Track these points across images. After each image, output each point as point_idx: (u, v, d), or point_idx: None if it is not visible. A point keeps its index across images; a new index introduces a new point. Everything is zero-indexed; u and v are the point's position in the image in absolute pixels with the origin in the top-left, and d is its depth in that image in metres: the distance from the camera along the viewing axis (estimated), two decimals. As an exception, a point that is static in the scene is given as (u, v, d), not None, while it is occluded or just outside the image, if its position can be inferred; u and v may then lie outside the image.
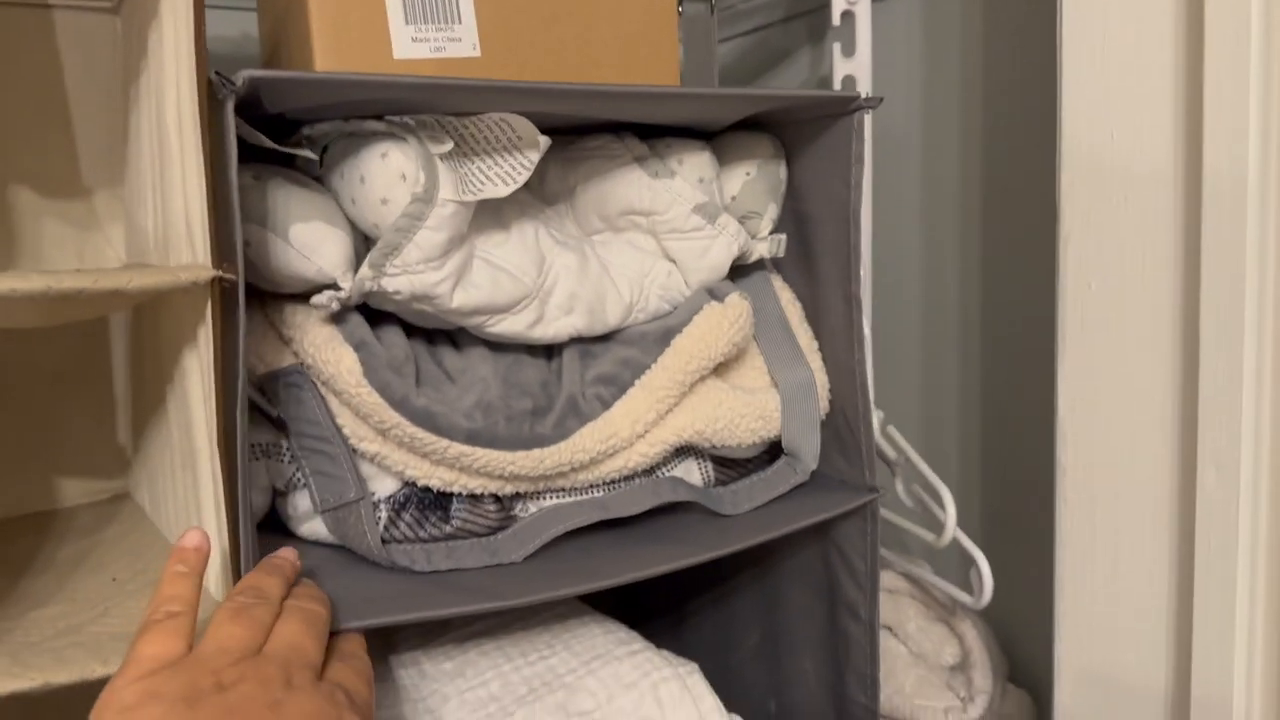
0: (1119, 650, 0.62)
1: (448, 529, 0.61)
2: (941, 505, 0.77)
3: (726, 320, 0.66)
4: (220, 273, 0.48)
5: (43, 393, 0.80)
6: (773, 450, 0.72)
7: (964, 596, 0.79)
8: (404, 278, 0.55)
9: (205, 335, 0.51)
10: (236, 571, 0.53)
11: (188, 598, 0.47)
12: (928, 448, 0.96)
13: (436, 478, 0.59)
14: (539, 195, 0.69)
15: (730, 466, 0.71)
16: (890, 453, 0.84)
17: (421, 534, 0.61)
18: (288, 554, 0.54)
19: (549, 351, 0.67)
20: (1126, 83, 0.56)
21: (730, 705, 0.69)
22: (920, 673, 0.86)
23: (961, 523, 0.89)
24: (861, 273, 0.84)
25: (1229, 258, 0.51)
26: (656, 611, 0.92)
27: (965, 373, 0.92)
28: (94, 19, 0.77)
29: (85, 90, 0.77)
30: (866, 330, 0.87)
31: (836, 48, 0.86)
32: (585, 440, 0.62)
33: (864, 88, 0.86)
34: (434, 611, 0.55)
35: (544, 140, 0.58)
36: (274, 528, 0.63)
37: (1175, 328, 0.55)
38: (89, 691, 0.45)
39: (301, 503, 0.60)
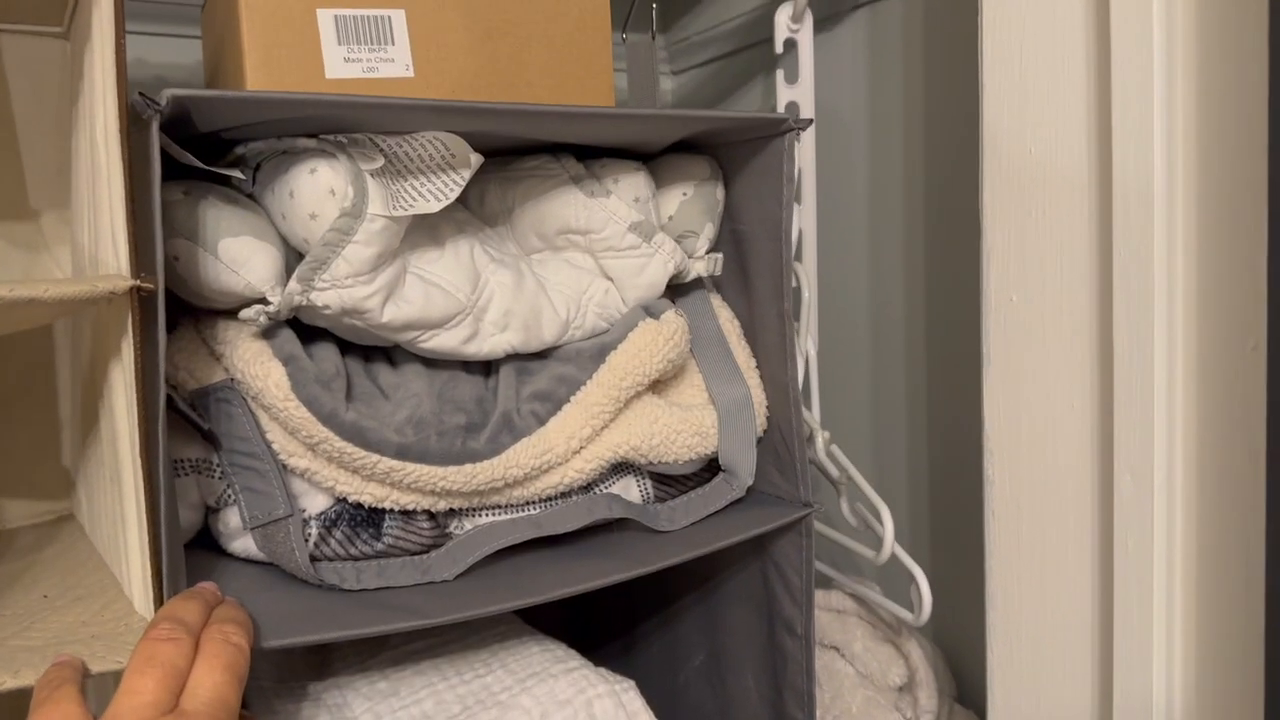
0: (1047, 659, 0.62)
1: (379, 546, 0.61)
2: (881, 522, 0.77)
3: (662, 337, 0.67)
4: (138, 282, 0.48)
5: (-18, 413, 0.80)
6: (711, 468, 0.73)
7: (905, 614, 0.79)
8: (333, 292, 0.56)
9: (128, 347, 0.51)
10: (160, 587, 0.53)
11: (66, 675, 0.46)
12: (878, 468, 0.96)
13: (368, 494, 0.59)
14: (479, 215, 0.70)
15: (669, 484, 0.71)
16: (834, 472, 0.84)
17: (353, 551, 0.61)
18: (208, 586, 0.54)
19: (486, 369, 0.68)
20: (1042, 97, 0.57)
21: (676, 710, 0.69)
22: (867, 693, 0.86)
23: (912, 543, 0.90)
24: (805, 292, 0.85)
25: (1138, 268, 0.52)
26: (605, 636, 0.92)
27: (912, 392, 0.93)
28: (44, 44, 0.78)
29: (33, 114, 0.78)
30: (811, 349, 0.88)
31: (780, 74, 0.88)
32: (519, 456, 0.62)
33: (808, 112, 0.88)
34: (359, 630, 0.55)
35: (476, 158, 0.59)
36: (207, 545, 0.63)
37: (1093, 338, 0.56)
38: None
39: (232, 519, 0.60)
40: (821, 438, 0.86)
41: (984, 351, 0.63)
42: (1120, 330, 0.53)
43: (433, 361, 0.65)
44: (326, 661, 0.69)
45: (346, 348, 0.63)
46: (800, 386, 0.85)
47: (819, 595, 0.91)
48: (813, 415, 0.88)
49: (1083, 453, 0.58)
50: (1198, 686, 0.55)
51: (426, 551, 0.62)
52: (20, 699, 0.48)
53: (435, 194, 0.58)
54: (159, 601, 0.54)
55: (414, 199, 0.57)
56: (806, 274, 0.88)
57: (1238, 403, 0.50)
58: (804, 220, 0.89)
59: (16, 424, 0.81)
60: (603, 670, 0.69)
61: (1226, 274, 0.51)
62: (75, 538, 0.74)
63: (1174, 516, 0.53)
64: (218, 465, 0.59)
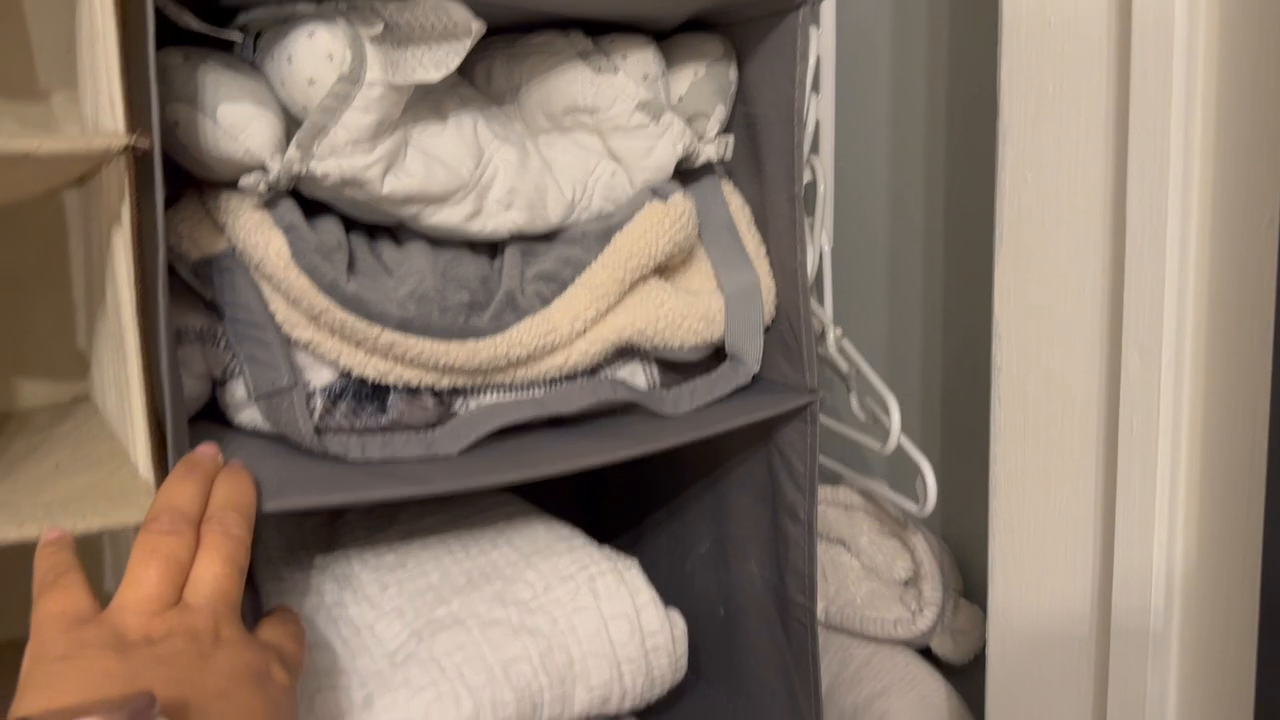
0: (1049, 544, 0.62)
1: (384, 420, 0.61)
2: (888, 413, 0.77)
3: (668, 218, 0.66)
4: (132, 141, 0.48)
5: (2, 298, 0.81)
6: (718, 356, 0.72)
7: (910, 505, 0.79)
8: (332, 161, 0.55)
9: (125, 209, 0.51)
10: (162, 450, 0.54)
11: (67, 559, 0.47)
12: (891, 366, 0.96)
13: (371, 367, 0.60)
14: (485, 93, 0.69)
15: (675, 371, 0.71)
16: (844, 366, 0.84)
17: (357, 424, 0.61)
18: (207, 449, 0.53)
19: (491, 250, 0.67)
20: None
21: (683, 612, 0.70)
22: (872, 586, 0.87)
23: (922, 442, 0.89)
24: (821, 186, 0.83)
25: (1154, 144, 0.51)
26: (614, 528, 0.93)
27: (928, 290, 0.92)
28: (48, -82, 0.77)
29: (40, -9, 0.77)
30: (825, 245, 0.87)
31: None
32: (522, 335, 0.62)
33: (828, -4, 0.85)
34: (364, 494, 0.56)
35: (478, 25, 0.57)
36: (214, 417, 0.63)
37: (1106, 215, 0.55)
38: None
39: (238, 391, 0.61)
40: (833, 333, 0.85)
41: (996, 232, 0.61)
42: (1133, 205, 0.52)
43: (437, 241, 0.65)
44: (334, 536, 0.71)
45: (351, 226, 0.63)
46: (811, 277, 0.85)
47: (827, 491, 0.91)
48: (825, 311, 0.87)
49: (1092, 334, 0.57)
50: (1198, 568, 0.54)
51: (431, 428, 0.63)
52: (23, 554, 0.50)
53: (436, 63, 0.57)
54: (160, 465, 0.55)
55: (414, 67, 0.56)
56: (823, 167, 0.86)
57: (1251, 279, 0.49)
58: (822, 111, 0.87)
59: (32, 307, 0.82)
60: (606, 549, 0.70)
61: (1244, 150, 0.49)
62: (89, 415, 0.75)
63: (1180, 394, 0.52)
64: (222, 336, 0.60)
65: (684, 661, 0.69)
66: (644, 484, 0.90)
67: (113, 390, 0.65)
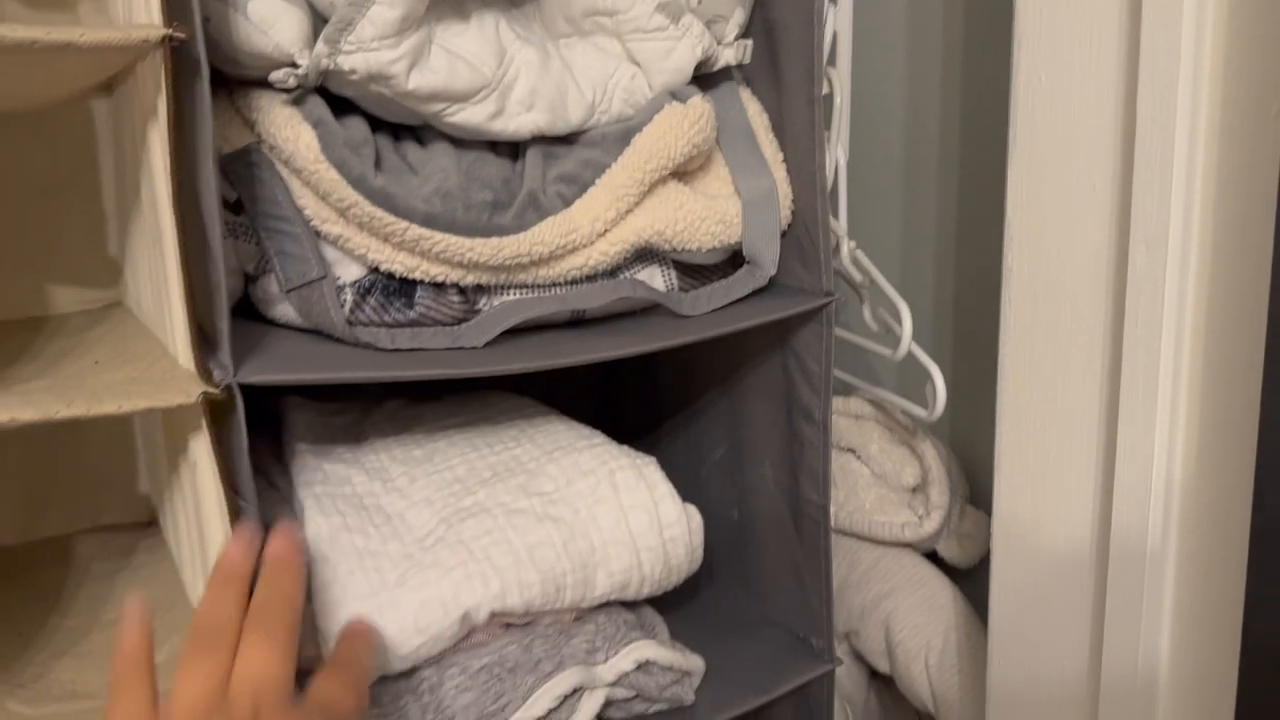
0: (1053, 445, 0.64)
1: (411, 314, 0.63)
2: (899, 320, 0.79)
3: (687, 120, 0.67)
4: (170, 31, 0.49)
5: (35, 205, 0.83)
6: (735, 261, 0.74)
7: (919, 410, 0.81)
8: (359, 55, 0.57)
9: (162, 102, 0.52)
10: (201, 346, 0.56)
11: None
12: (905, 279, 0.97)
13: (398, 262, 0.61)
14: (506, -4, 0.70)
15: (693, 274, 0.73)
16: (858, 277, 0.85)
17: (386, 319, 0.63)
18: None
19: (513, 152, 0.68)
20: None
21: (703, 512, 0.73)
22: (881, 492, 0.90)
23: (935, 353, 0.91)
24: (837, 98, 0.84)
25: (1165, 39, 0.51)
26: (631, 435, 0.95)
27: (943, 205, 0.93)
28: None
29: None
30: (841, 158, 0.88)
31: None
32: (544, 233, 0.64)
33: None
34: (394, 373, 0.58)
35: (501, -77, 0.58)
36: (248, 314, 0.65)
37: (1117, 112, 0.56)
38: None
39: (271, 286, 0.63)
40: (847, 245, 0.86)
41: (1010, 135, 0.62)
42: (1144, 100, 0.53)
43: (460, 141, 0.66)
44: (363, 434, 0.73)
45: (376, 126, 0.64)
46: (828, 184, 0.86)
47: (838, 402, 0.93)
48: (840, 223, 0.88)
49: (1101, 233, 0.58)
50: (1197, 466, 0.56)
51: (457, 323, 0.65)
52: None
53: (461, -41, 0.58)
54: (200, 359, 0.56)
55: (439, -37, 0.57)
56: (839, 79, 0.87)
57: (1259, 171, 0.50)
58: (839, 23, 0.88)
59: (64, 215, 0.84)
60: (625, 447, 0.72)
61: (1253, 44, 0.50)
62: (123, 318, 0.78)
63: (1186, 287, 0.53)
64: (252, 231, 0.61)
65: (700, 552, 0.71)
66: (660, 393, 0.93)
67: (148, 288, 0.67)
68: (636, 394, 0.95)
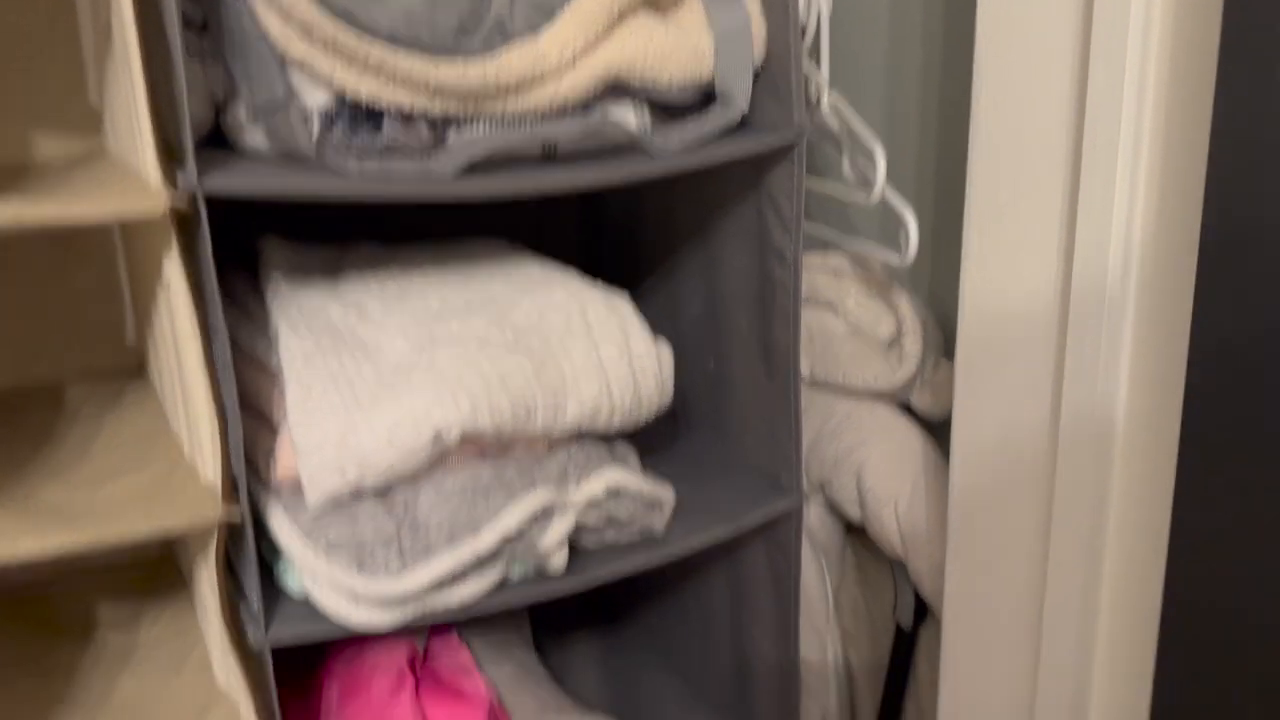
0: (1019, 208, 0.65)
1: (379, 142, 0.64)
2: (874, 164, 0.79)
3: (658, -52, 0.66)
4: None
5: (16, 53, 0.83)
6: (708, 103, 0.73)
7: (892, 256, 0.82)
8: None
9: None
10: (169, 165, 0.57)
11: None
12: (889, 133, 0.96)
13: (363, 87, 0.61)
14: None
15: (666, 113, 0.73)
16: (837, 127, 0.85)
17: (354, 144, 0.63)
18: None
19: (483, -20, 0.68)
20: None
21: (677, 365, 0.74)
22: (856, 345, 0.91)
23: (917, 205, 0.91)
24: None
25: None
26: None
27: (928, 53, 0.92)
28: None
29: None
30: (824, 5, 0.86)
31: None
32: (512, 60, 0.64)
33: None
34: (363, 191, 0.59)
35: None
36: (219, 144, 0.66)
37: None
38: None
39: (240, 112, 0.63)
40: (827, 95, 0.86)
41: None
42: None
43: (429, -31, 0.65)
44: (340, 271, 0.74)
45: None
46: (810, 39, 0.85)
47: (817, 258, 0.94)
48: (822, 74, 0.88)
49: (1066, 61, 0.58)
50: (1155, 227, 0.57)
51: (426, 154, 0.65)
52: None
53: None
54: (167, 172, 0.57)
55: None
56: (823, -78, 0.85)
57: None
58: None
59: (44, 62, 0.84)
60: (599, 283, 0.73)
61: None
62: (103, 157, 0.78)
63: (1144, 104, 0.53)
64: (219, 54, 0.61)
65: (670, 386, 0.73)
66: (639, 248, 0.93)
67: (122, 118, 0.68)
68: (617, 253, 0.96)
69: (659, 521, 0.74)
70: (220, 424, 0.59)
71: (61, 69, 0.84)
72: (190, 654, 0.78)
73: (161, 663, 0.78)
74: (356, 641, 0.80)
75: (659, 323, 0.91)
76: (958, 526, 0.79)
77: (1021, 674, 0.77)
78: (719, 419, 0.86)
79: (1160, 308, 0.59)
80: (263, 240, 0.75)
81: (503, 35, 0.64)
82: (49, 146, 0.85)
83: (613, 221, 0.97)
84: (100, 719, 0.73)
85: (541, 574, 0.70)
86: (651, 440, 0.83)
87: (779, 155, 0.72)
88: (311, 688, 0.79)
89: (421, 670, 0.80)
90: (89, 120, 0.85)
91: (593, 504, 0.69)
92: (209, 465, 0.61)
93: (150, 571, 0.91)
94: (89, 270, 0.89)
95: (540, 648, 0.97)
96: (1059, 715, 0.74)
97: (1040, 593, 0.74)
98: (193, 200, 0.54)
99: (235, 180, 0.55)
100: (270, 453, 0.64)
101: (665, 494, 0.73)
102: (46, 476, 0.70)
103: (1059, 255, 0.62)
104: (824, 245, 0.95)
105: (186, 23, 0.61)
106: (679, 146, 0.70)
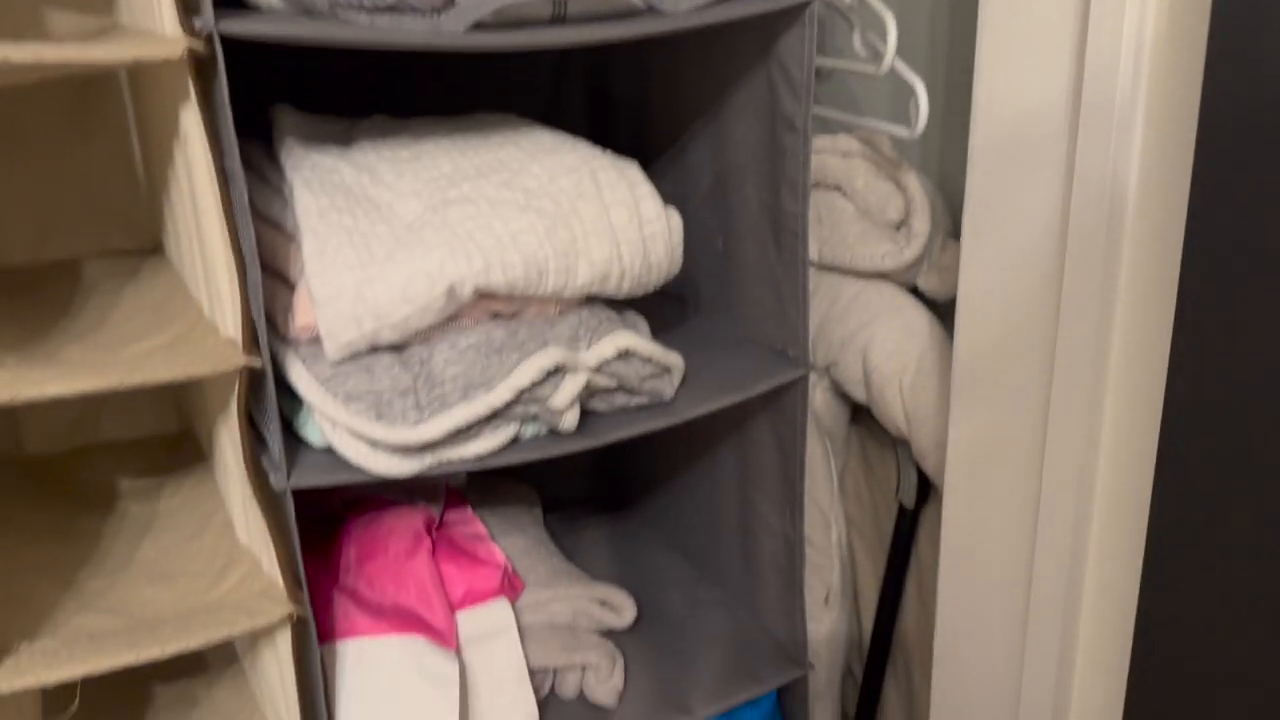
0: (1026, 89, 0.65)
1: (390, 1, 0.64)
2: (884, 37, 0.78)
3: None
4: None
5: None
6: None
7: (901, 130, 0.82)
8: None
9: None
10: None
11: None
12: (902, 7, 0.95)
13: (377, -59, 0.61)
14: None
15: (678, -21, 0.72)
16: (848, 1, 0.85)
17: (365, 3, 0.64)
18: None
19: None
20: None
21: (686, 237, 0.75)
22: (865, 226, 0.91)
23: (929, 83, 0.90)
24: None
25: None
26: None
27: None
28: None
29: None
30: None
31: None
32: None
33: None
34: (374, 38, 0.60)
35: None
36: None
37: None
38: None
39: (253, -32, 0.63)
40: (840, -31, 0.85)
41: None
42: None
43: None
44: (351, 137, 0.75)
45: None
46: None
47: (827, 140, 0.94)
48: (832, -51, 0.87)
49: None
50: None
51: (437, 13, 0.65)
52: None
53: None
54: (180, 11, 0.57)
55: None
56: None
57: None
58: None
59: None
60: (609, 150, 0.74)
61: None
62: (118, 29, 0.79)
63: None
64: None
65: (679, 253, 0.74)
66: (648, 127, 0.93)
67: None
68: (626, 133, 0.96)
69: (668, 387, 0.75)
70: (239, 269, 0.60)
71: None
72: (211, 519, 0.80)
73: (183, 528, 0.81)
74: (374, 508, 0.83)
75: (669, 202, 0.91)
76: (960, 399, 0.81)
77: (1019, 548, 0.79)
78: (728, 298, 0.87)
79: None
80: (275, 109, 0.75)
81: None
82: (63, 22, 0.85)
83: (622, 99, 0.96)
84: (123, 580, 0.75)
85: (554, 434, 0.71)
86: (662, 319, 0.84)
87: (791, 16, 0.72)
88: (330, 555, 0.81)
89: (437, 535, 0.82)
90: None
91: (603, 366, 0.71)
92: (229, 317, 0.63)
93: (170, 447, 0.94)
94: (102, 147, 0.90)
95: (551, 532, 1.00)
96: (1055, 588, 0.76)
97: (1039, 467, 0.76)
98: (210, 42, 0.55)
99: (251, 24, 0.56)
100: (288, 308, 0.66)
101: (675, 359, 0.74)
102: (69, 339, 0.71)
103: (1071, 55, 0.63)
104: (833, 129, 0.95)
105: None
106: (690, 6, 0.70)
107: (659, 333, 0.79)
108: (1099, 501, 0.73)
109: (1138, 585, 0.71)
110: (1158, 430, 0.67)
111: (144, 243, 0.91)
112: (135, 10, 0.71)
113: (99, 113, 0.89)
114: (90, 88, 0.89)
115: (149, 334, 0.71)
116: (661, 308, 0.87)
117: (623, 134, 0.96)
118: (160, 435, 0.97)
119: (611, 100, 0.98)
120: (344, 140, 0.74)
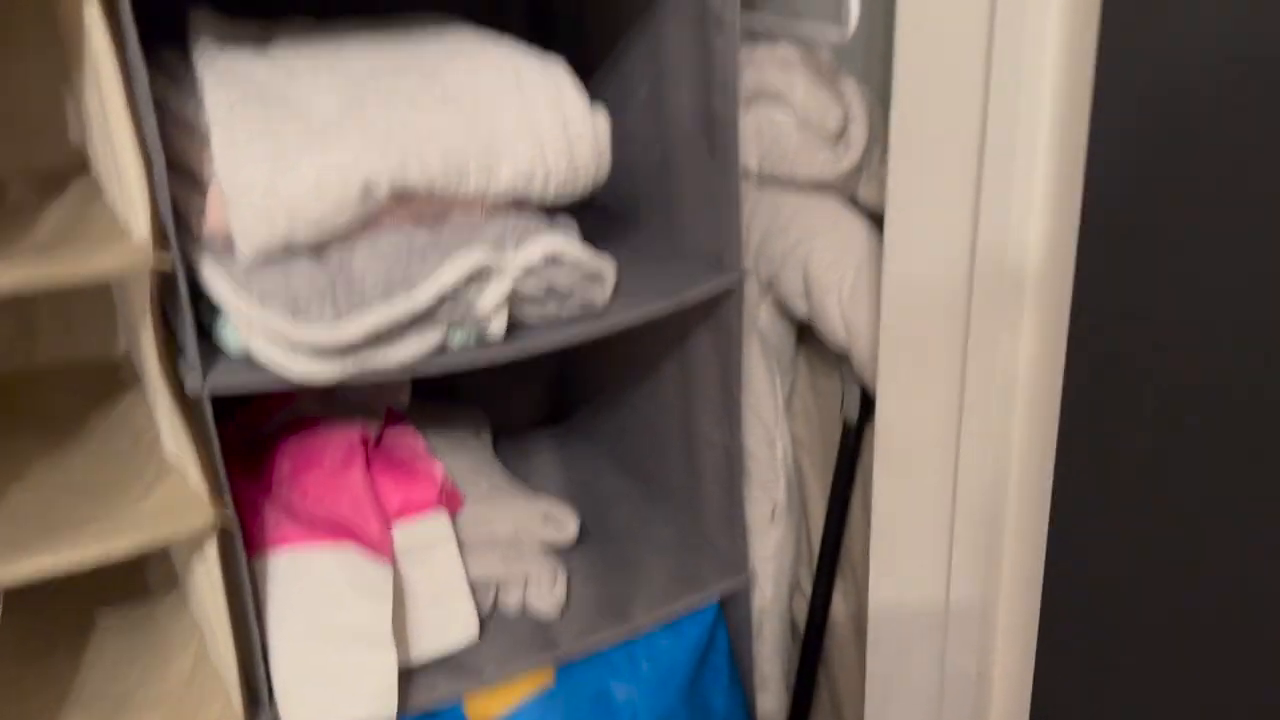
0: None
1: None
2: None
3: None
4: None
5: None
6: None
7: (832, 32, 0.81)
8: None
9: None
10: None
11: None
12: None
13: None
14: None
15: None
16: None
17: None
18: None
19: None
20: None
21: (624, 155, 0.74)
22: (804, 137, 0.90)
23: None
24: None
25: None
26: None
27: None
28: None
29: None
30: None
31: None
32: None
33: None
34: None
35: None
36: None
37: None
38: None
39: None
40: None
41: None
42: None
43: None
44: (269, 36, 0.73)
45: None
46: None
47: (765, 50, 0.92)
48: None
49: None
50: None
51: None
52: None
53: None
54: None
55: None
56: None
57: None
58: None
59: None
60: (534, 48, 0.72)
61: None
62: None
63: None
64: None
65: (607, 155, 0.72)
66: (586, 38, 0.92)
67: None
68: (563, 39, 0.95)
69: (600, 294, 0.74)
70: (146, 168, 0.58)
71: None
72: (142, 436, 0.79)
73: (114, 444, 0.80)
74: (307, 424, 0.82)
75: (609, 112, 0.90)
76: (889, 317, 0.81)
77: (946, 456, 0.80)
78: (666, 208, 0.87)
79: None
80: (192, 11, 0.74)
81: None
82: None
83: (560, 8, 0.95)
84: (49, 494, 0.74)
85: (482, 342, 0.70)
86: (601, 230, 0.83)
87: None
88: (264, 469, 0.81)
89: (374, 450, 0.82)
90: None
91: (531, 270, 0.70)
92: (139, 219, 0.61)
93: (110, 371, 0.93)
94: (27, 63, 0.87)
95: (501, 456, 0.99)
96: (980, 495, 0.77)
97: (961, 373, 0.76)
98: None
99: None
100: (201, 210, 0.65)
101: (606, 266, 0.74)
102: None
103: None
104: (772, 39, 0.93)
105: None
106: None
107: (596, 244, 0.79)
108: (1019, 403, 0.73)
109: (1050, 486, 0.72)
110: (1066, 335, 0.68)
111: (74, 161, 0.89)
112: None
113: (25, 29, 0.86)
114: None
115: (64, 241, 0.69)
116: (603, 220, 0.86)
117: (561, 41, 0.94)
118: (101, 359, 0.96)
119: (549, 5, 0.96)
120: (261, 39, 0.73)
